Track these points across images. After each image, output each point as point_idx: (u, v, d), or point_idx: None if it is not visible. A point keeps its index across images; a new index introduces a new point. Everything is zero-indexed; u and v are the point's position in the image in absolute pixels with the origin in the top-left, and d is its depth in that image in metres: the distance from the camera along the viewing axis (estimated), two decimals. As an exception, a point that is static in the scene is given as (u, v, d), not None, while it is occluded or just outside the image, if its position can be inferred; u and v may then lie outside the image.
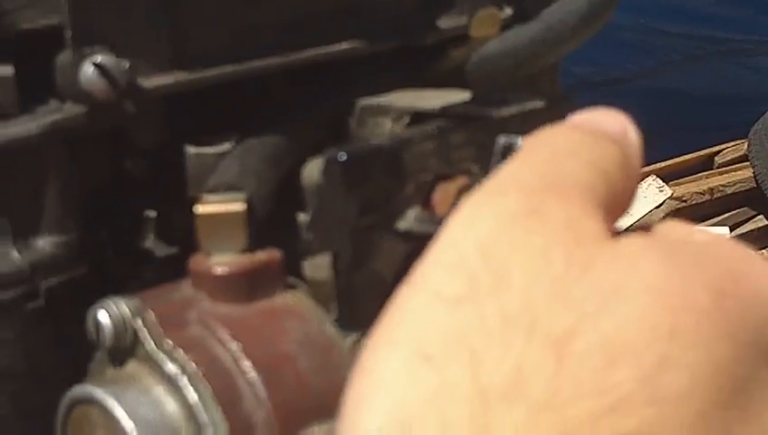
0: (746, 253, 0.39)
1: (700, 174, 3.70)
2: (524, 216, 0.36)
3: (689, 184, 3.63)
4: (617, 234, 0.38)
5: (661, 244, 0.37)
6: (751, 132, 3.74)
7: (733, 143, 3.82)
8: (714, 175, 3.72)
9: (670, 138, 3.82)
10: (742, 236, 3.59)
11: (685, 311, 0.34)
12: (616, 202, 0.39)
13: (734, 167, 3.76)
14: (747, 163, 3.73)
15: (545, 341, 0.33)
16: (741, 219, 3.73)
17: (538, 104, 0.63)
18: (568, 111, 0.67)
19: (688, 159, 3.74)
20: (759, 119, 3.73)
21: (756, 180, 3.68)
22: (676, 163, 3.68)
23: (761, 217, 3.72)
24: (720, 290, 0.35)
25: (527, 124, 0.63)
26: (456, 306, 0.34)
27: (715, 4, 4.21)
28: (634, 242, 0.36)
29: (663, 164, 3.61)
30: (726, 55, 4.23)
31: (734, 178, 3.70)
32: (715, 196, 3.65)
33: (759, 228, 3.72)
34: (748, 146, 3.74)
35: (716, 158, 3.81)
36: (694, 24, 4.22)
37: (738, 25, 4.26)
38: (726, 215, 3.69)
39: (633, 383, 0.33)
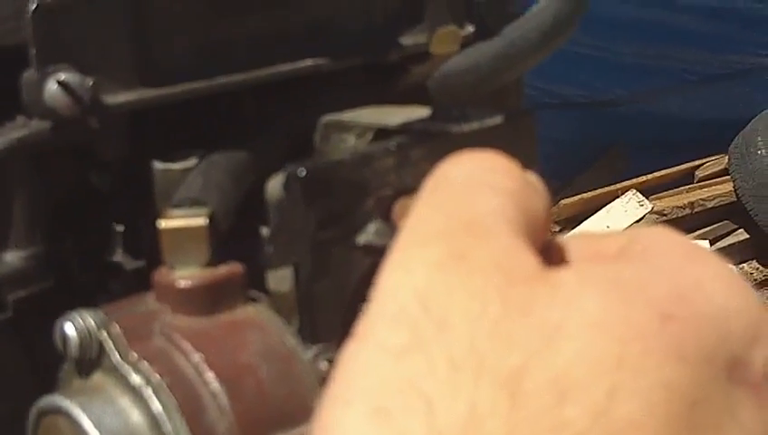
0: (692, 260, 0.38)
1: (681, 188, 3.71)
2: (451, 263, 0.36)
3: (670, 198, 3.64)
4: (551, 251, 0.38)
5: (599, 273, 0.36)
6: (731, 146, 3.75)
7: (713, 157, 3.84)
8: (694, 189, 3.73)
9: (651, 154, 3.82)
10: (723, 250, 3.60)
11: (631, 339, 0.34)
12: (531, 219, 0.39)
13: (714, 181, 3.77)
14: (728, 177, 3.74)
15: (495, 381, 0.33)
16: (722, 233, 3.74)
17: (498, 119, 0.63)
18: (528, 125, 0.68)
19: (669, 174, 3.75)
20: (739, 133, 3.74)
21: (737, 194, 3.68)
22: (657, 177, 3.69)
23: (741, 230, 3.73)
24: (665, 313, 0.35)
25: (487, 139, 0.64)
26: (403, 356, 0.34)
27: (702, 21, 4.20)
28: (570, 276, 0.36)
29: (643, 178, 3.62)
30: (716, 79, 4.22)
31: (714, 192, 3.71)
32: (696, 210, 3.65)
33: (740, 242, 3.73)
34: (729, 160, 3.75)
35: (697, 172, 3.82)
36: (683, 43, 4.21)
37: (727, 44, 4.25)
38: (707, 229, 3.70)
39: (587, 419, 0.32)
